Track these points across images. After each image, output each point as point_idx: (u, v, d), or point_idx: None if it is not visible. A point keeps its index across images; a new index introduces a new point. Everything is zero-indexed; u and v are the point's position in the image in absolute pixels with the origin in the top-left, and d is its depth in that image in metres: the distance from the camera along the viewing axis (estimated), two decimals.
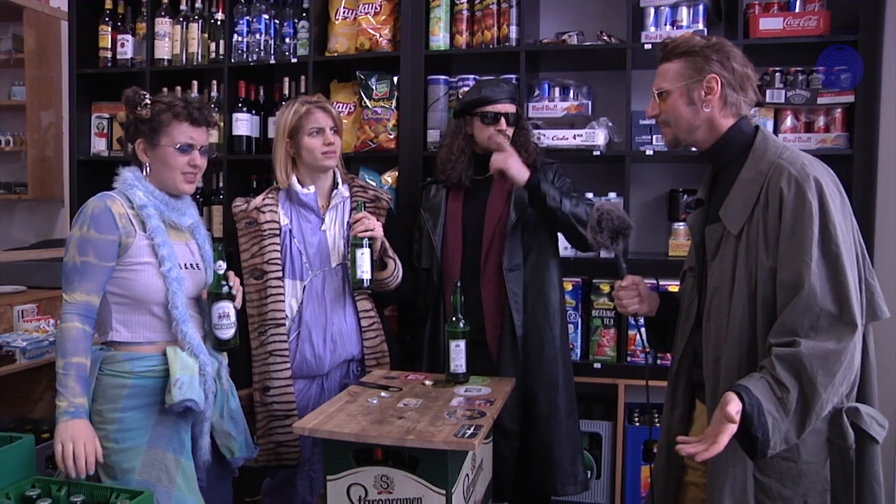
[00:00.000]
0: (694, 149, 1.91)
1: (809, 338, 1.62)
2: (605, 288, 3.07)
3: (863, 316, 1.70)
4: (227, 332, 2.16)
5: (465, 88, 3.09)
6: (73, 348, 1.99)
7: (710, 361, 1.82)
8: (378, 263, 2.55)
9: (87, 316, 2.03)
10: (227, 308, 2.15)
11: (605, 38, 3.10)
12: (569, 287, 3.06)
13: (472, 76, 3.16)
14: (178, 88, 3.47)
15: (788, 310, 1.65)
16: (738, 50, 1.84)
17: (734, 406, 1.59)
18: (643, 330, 2.12)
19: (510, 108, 2.63)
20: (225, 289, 2.14)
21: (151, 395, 2.08)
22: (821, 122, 2.91)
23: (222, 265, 2.15)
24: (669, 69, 1.86)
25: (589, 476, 2.78)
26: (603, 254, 2.19)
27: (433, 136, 3.17)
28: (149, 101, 2.10)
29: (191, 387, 2.07)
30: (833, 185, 1.73)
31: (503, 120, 2.61)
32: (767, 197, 1.72)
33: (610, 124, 3.06)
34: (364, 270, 2.46)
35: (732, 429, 1.59)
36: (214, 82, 3.43)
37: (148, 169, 2.15)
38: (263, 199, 2.63)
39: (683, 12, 2.96)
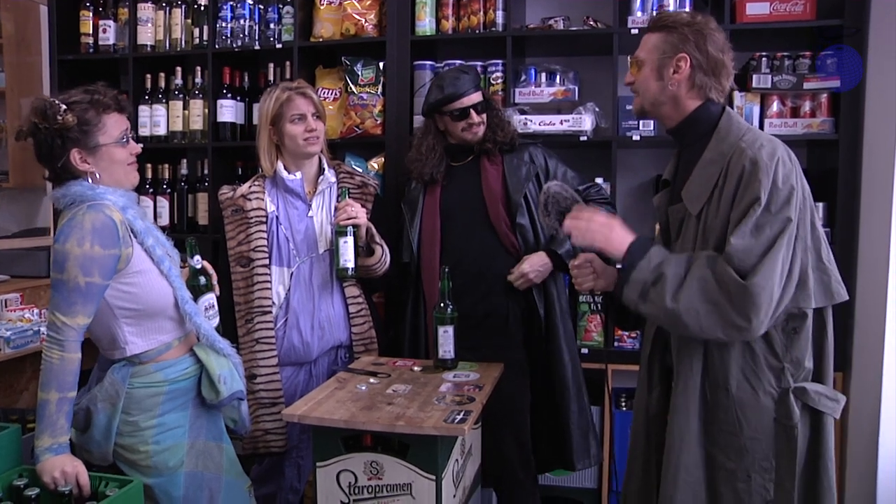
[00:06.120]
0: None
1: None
2: None
3: (812, 300, 1.73)
4: (215, 321, 2.16)
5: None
6: (73, 382, 1.87)
7: (675, 342, 1.86)
8: (365, 250, 2.54)
9: (81, 340, 1.90)
10: (212, 299, 2.16)
11: (591, 23, 3.09)
12: None
13: (459, 62, 3.14)
14: (162, 74, 3.44)
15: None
16: (722, 35, 1.85)
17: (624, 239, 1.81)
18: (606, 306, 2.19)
19: (476, 97, 2.62)
20: (203, 280, 2.13)
21: (186, 393, 2.06)
22: (807, 107, 2.91)
23: (199, 259, 2.14)
24: (650, 40, 1.89)
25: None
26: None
27: (420, 121, 3.14)
28: (66, 106, 1.90)
29: (233, 378, 2.09)
30: (791, 165, 1.74)
31: (472, 113, 2.61)
32: (726, 179, 1.75)
33: (597, 110, 3.05)
34: (347, 259, 2.46)
35: (602, 223, 1.83)
36: (198, 68, 3.40)
37: (98, 176, 1.95)
38: (250, 187, 2.61)
39: None
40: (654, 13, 2.92)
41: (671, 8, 2.94)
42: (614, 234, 1.84)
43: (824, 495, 1.78)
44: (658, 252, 1.78)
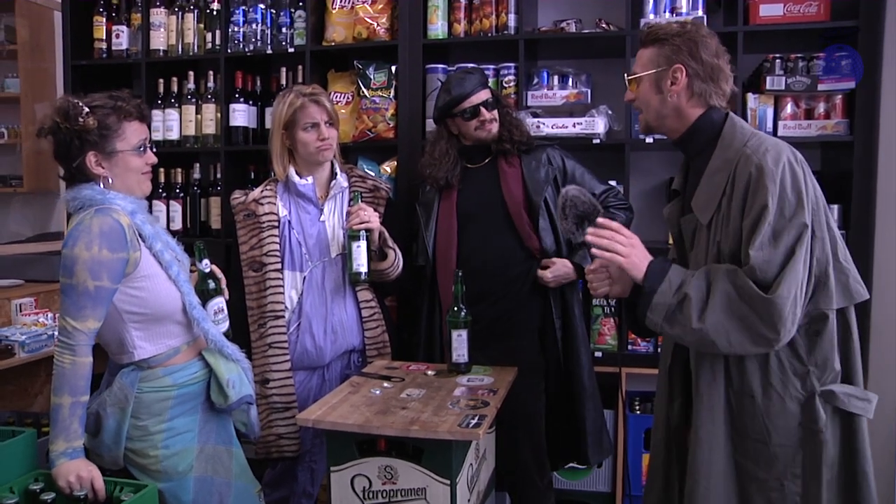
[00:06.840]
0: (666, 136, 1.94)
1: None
2: None
3: (832, 300, 1.71)
4: (224, 326, 2.16)
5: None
6: (85, 386, 1.88)
7: (693, 351, 1.84)
8: (378, 254, 2.54)
9: (92, 344, 1.91)
10: (221, 303, 2.15)
11: (603, 25, 3.08)
12: None
13: (471, 65, 3.13)
14: (174, 79, 3.45)
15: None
16: (715, 40, 1.84)
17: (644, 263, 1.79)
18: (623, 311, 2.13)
19: (484, 95, 2.63)
20: (212, 284, 2.13)
21: (196, 397, 2.06)
22: (821, 108, 2.89)
23: (207, 263, 2.14)
24: (643, 55, 1.88)
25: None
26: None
27: (432, 125, 3.15)
28: (88, 109, 1.92)
29: (241, 383, 2.09)
30: (799, 167, 1.72)
31: (483, 110, 2.61)
32: (734, 186, 1.74)
33: (609, 112, 3.04)
34: (360, 263, 2.46)
35: (623, 252, 1.80)
36: (211, 73, 3.40)
37: (110, 181, 1.97)
38: (262, 191, 2.62)
39: None
40: (666, 15, 2.92)
41: (683, 10, 2.92)
42: (634, 255, 1.83)
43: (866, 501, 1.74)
44: (677, 272, 1.77)
